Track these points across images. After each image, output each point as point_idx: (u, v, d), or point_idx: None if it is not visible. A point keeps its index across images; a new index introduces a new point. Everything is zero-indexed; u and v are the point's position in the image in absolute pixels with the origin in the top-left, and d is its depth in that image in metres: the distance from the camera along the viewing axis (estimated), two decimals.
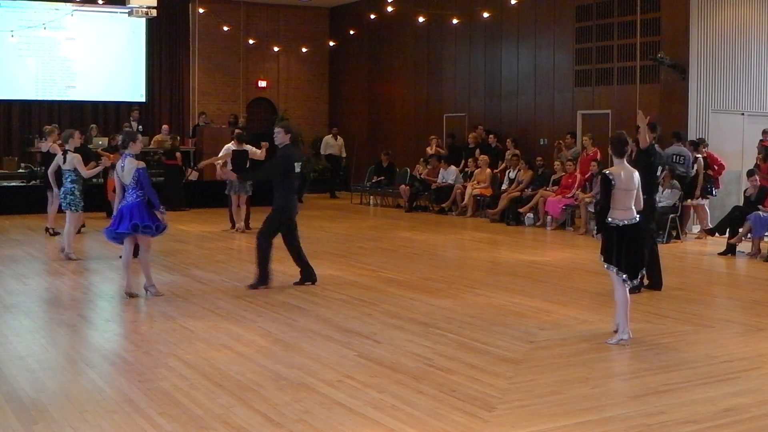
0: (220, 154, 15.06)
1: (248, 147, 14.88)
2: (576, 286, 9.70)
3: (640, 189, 7.24)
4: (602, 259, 7.20)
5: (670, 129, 14.48)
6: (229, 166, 14.09)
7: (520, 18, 18.77)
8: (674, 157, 14.26)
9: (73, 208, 11.30)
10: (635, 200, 7.14)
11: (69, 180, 11.35)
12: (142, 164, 8.61)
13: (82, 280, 10.02)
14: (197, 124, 21.52)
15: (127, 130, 10.41)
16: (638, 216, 7.16)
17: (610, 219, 7.12)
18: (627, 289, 7.13)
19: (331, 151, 22.78)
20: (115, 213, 8.81)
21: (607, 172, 7.11)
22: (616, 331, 7.16)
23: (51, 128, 14.58)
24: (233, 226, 14.88)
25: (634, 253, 7.09)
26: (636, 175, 7.18)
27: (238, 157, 14.52)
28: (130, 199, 8.55)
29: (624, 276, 7.06)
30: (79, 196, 11.35)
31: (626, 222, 7.08)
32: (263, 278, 9.33)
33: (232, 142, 15.02)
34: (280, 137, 9.44)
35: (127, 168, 8.57)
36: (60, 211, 12.28)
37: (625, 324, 7.06)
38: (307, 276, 9.65)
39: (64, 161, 11.49)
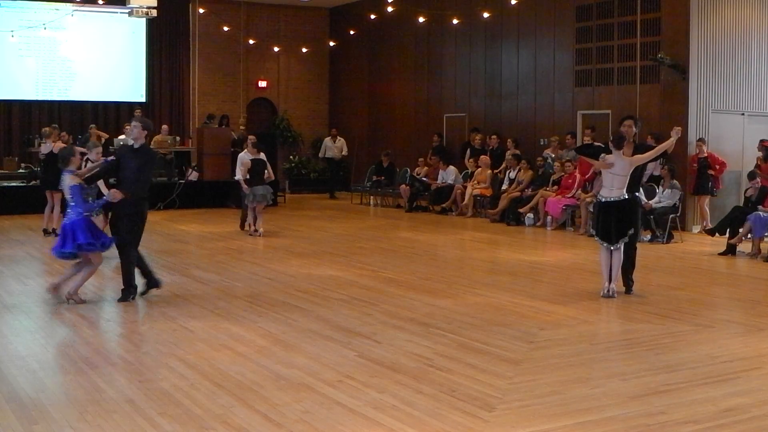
0: (238, 167, 14.53)
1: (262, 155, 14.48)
2: (576, 286, 9.70)
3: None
4: (593, 232, 9.49)
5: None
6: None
7: (520, 18, 18.76)
8: None
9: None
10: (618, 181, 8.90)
11: None
12: (76, 181, 8.35)
13: None
14: (204, 123, 21.29)
15: (67, 146, 9.77)
16: (626, 195, 8.84)
17: (598, 196, 9.18)
18: (614, 253, 8.86)
19: (331, 154, 22.72)
20: (60, 231, 8.58)
21: (604, 155, 9.01)
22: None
23: (50, 129, 14.64)
24: (243, 227, 14.64)
25: (609, 224, 8.84)
26: (624, 165, 8.85)
27: (257, 166, 14.12)
28: (73, 215, 8.31)
29: (597, 239, 8.97)
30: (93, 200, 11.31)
31: (608, 199, 8.90)
32: (155, 281, 8.87)
33: (245, 150, 14.63)
34: (136, 133, 8.66)
35: (65, 184, 8.38)
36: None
37: (612, 281, 8.93)
38: (153, 283, 8.88)
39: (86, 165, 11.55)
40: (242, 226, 14.78)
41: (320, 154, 23.03)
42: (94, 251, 8.39)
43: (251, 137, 15.30)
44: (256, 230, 14.13)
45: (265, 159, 14.46)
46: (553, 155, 17.02)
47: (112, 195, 8.44)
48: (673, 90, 15.55)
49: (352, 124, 23.98)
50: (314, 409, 5.26)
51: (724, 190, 15.47)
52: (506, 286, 9.72)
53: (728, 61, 15.74)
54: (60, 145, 14.17)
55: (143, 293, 8.79)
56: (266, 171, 14.33)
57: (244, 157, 14.51)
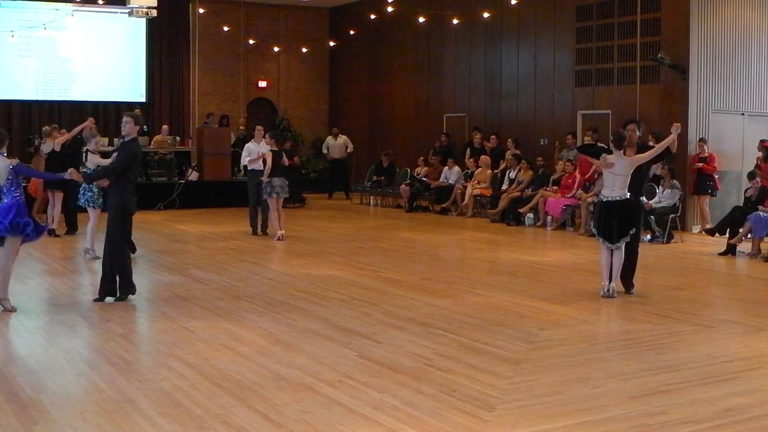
0: (248, 156, 14.37)
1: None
2: (576, 286, 9.70)
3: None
4: (594, 231, 9.32)
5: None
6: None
7: (520, 18, 18.76)
8: None
9: (91, 205, 11.30)
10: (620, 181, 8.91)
11: None
12: (15, 161, 8.25)
13: (82, 280, 10.03)
14: (204, 123, 21.29)
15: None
16: (628, 195, 8.85)
17: (599, 196, 9.18)
18: (615, 252, 8.88)
19: (333, 153, 22.62)
20: None
21: (605, 154, 9.00)
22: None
23: (50, 129, 14.65)
24: (255, 232, 14.18)
25: (612, 224, 8.85)
26: (625, 164, 8.87)
27: (276, 157, 13.69)
28: (7, 200, 8.13)
29: (601, 240, 8.94)
30: (97, 193, 11.30)
31: (609, 199, 8.91)
32: (132, 287, 8.75)
33: (252, 140, 14.63)
34: (128, 128, 8.77)
35: (1, 167, 8.10)
36: (81, 210, 12.30)
37: (612, 280, 8.93)
38: (112, 291, 8.76)
39: (86, 159, 11.56)
40: (255, 231, 14.25)
41: (323, 151, 22.94)
42: (34, 238, 8.41)
43: (259, 127, 15.11)
44: (281, 235, 13.52)
45: (282, 151, 14.15)
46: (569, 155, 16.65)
47: (69, 173, 8.71)
48: (673, 90, 15.55)
49: (352, 124, 23.96)
50: (314, 409, 5.26)
51: (724, 190, 15.47)
52: (506, 286, 9.72)
53: (728, 61, 15.74)
54: (61, 140, 14.17)
55: (97, 299, 8.64)
56: (283, 161, 14.08)
57: (254, 147, 14.43)
